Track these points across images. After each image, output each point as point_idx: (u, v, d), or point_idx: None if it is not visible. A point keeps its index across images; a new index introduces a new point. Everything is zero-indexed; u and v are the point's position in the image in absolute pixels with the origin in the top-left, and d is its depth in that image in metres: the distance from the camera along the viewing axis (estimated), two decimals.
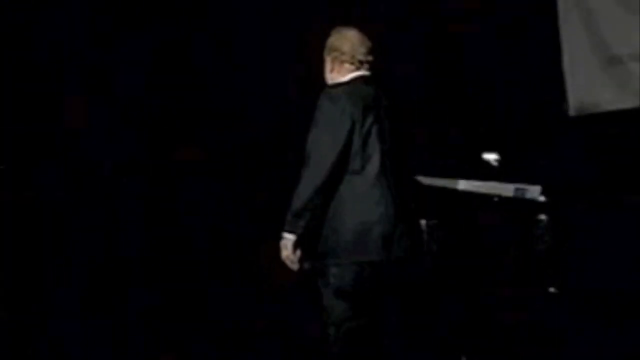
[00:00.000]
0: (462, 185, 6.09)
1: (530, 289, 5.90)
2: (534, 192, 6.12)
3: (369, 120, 4.60)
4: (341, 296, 4.56)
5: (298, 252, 4.53)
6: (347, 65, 4.74)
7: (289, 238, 4.53)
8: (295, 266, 4.57)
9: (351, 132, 4.54)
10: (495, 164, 6.50)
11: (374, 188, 4.57)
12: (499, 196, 6.07)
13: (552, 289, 5.99)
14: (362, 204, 4.57)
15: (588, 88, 6.47)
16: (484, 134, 6.66)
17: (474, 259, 5.99)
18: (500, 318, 5.91)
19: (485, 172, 6.36)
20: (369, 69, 4.75)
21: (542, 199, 6.03)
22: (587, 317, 5.82)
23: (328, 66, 4.86)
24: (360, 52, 4.76)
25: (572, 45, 6.50)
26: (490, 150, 6.48)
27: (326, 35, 5.06)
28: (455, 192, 6.07)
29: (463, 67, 6.78)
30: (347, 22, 5.13)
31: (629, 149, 6.20)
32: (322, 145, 4.55)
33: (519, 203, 6.10)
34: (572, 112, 6.53)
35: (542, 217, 6.13)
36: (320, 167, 4.54)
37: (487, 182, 6.16)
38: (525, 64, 6.63)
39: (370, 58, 4.76)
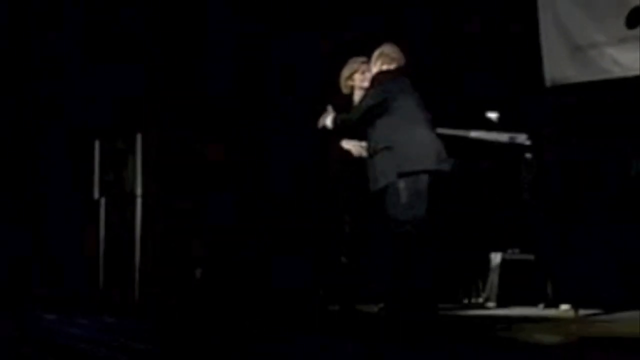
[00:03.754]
0: (473, 134, 7.39)
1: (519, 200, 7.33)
2: (522, 138, 7.47)
3: (410, 95, 6.06)
4: (410, 201, 5.80)
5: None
6: (393, 64, 6.22)
7: (329, 119, 6.23)
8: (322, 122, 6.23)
9: (385, 100, 5.99)
10: (495, 119, 7.72)
11: (425, 130, 6.01)
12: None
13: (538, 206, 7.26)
14: (421, 142, 5.94)
15: (558, 67, 7.53)
16: (489, 100, 7.91)
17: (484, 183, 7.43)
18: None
19: (489, 125, 7.66)
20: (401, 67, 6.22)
21: (528, 143, 7.47)
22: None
23: (379, 63, 6.25)
24: (401, 58, 6.26)
25: (547, 38, 7.62)
26: (492, 110, 7.78)
27: None
28: (469, 138, 7.38)
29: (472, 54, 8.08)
30: None
31: (585, 109, 7.26)
32: (364, 105, 6.12)
33: (512, 146, 7.46)
34: (547, 83, 7.59)
35: (528, 155, 7.45)
36: (355, 114, 6.17)
37: (490, 132, 7.50)
38: (514, 51, 7.93)
39: (403, 62, 6.28)
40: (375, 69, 6.27)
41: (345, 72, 6.80)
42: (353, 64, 6.77)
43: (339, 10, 8.32)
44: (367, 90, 6.21)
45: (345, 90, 6.82)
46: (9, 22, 8.52)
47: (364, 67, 6.69)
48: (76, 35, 8.43)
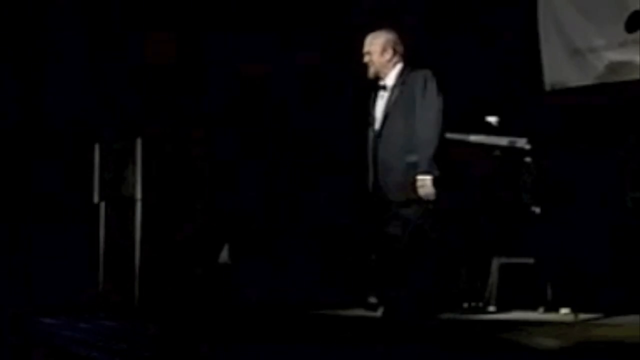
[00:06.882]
0: (472, 138, 7.27)
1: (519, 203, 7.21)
2: (522, 142, 7.32)
3: None
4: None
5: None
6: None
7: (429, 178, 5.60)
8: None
9: None
10: (495, 123, 7.57)
11: None
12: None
13: (537, 210, 7.17)
14: None
15: (558, 71, 7.65)
16: (488, 103, 7.86)
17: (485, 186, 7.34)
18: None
19: (488, 129, 7.52)
20: None
21: (527, 147, 7.32)
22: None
23: (391, 51, 5.80)
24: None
25: (547, 41, 7.76)
26: (491, 114, 7.61)
27: None
28: (468, 142, 7.26)
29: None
30: None
31: (585, 113, 7.34)
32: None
33: (512, 150, 7.34)
34: (547, 87, 7.75)
35: (528, 159, 7.32)
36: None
37: (489, 136, 7.40)
38: (515, 56, 7.97)
39: None
40: (387, 56, 5.81)
41: None
42: None
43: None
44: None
45: None
46: None
47: None
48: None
